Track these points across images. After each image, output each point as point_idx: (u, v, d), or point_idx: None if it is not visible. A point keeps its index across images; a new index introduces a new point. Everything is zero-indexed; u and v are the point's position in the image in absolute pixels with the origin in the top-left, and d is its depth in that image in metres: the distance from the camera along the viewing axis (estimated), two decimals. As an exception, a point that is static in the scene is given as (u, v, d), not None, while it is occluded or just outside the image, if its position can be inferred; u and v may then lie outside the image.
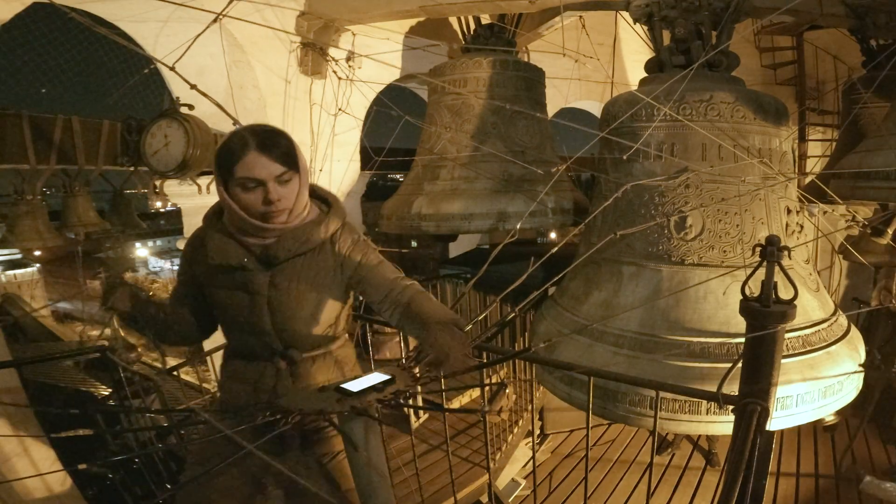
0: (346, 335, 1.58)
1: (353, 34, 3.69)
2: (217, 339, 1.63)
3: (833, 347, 2.09)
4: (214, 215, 1.43)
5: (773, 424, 1.64)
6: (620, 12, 2.92)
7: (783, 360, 1.55)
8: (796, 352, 2.02)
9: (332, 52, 3.58)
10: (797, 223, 2.34)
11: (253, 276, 1.35)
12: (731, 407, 1.47)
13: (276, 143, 1.27)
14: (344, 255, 1.40)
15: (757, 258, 1.43)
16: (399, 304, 1.37)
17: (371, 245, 1.47)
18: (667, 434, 4.11)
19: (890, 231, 3.45)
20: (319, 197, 1.48)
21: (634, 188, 2.28)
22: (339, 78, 3.68)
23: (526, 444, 3.92)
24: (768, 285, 1.39)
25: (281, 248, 1.33)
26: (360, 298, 1.51)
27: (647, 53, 2.69)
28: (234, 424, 1.16)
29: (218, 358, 3.18)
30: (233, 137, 1.27)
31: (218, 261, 1.33)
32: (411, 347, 2.71)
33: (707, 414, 1.93)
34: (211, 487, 1.39)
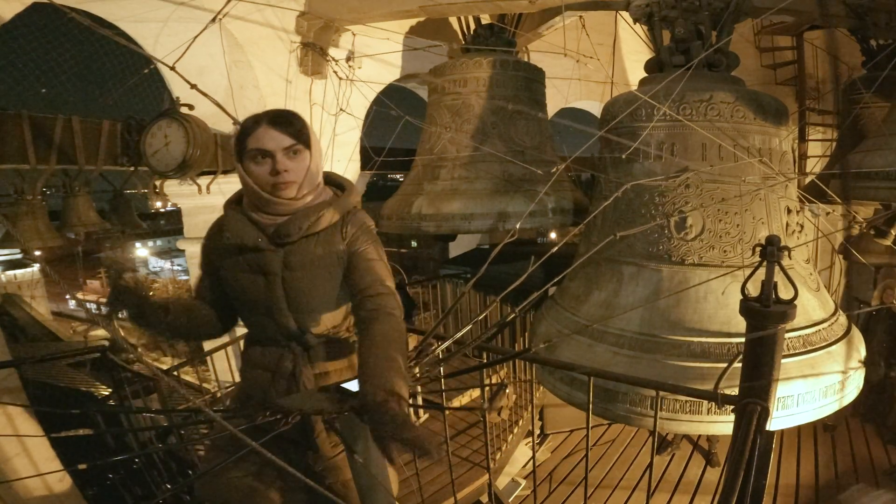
0: None
1: (353, 34, 3.68)
2: (217, 338, 1.63)
3: (833, 347, 2.09)
4: (234, 202, 1.45)
5: (774, 424, 1.64)
6: (620, 12, 2.92)
7: (784, 360, 1.55)
8: (797, 351, 2.01)
9: (332, 52, 3.58)
10: (797, 223, 2.34)
11: (266, 256, 1.36)
12: (731, 407, 1.46)
13: (287, 120, 1.31)
14: (349, 238, 1.41)
15: (757, 258, 1.43)
16: (362, 310, 1.29)
17: (377, 239, 1.46)
18: (667, 434, 4.11)
19: (893, 232, 3.44)
20: (335, 183, 1.50)
21: (634, 188, 2.28)
22: (340, 78, 3.67)
23: (526, 444, 3.92)
24: (768, 285, 1.39)
25: (292, 226, 1.33)
26: None
27: (647, 53, 2.69)
28: (240, 422, 1.16)
29: (218, 358, 3.20)
30: (249, 117, 1.33)
31: (233, 240, 1.36)
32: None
33: (707, 414, 1.93)
34: (231, 474, 1.41)
